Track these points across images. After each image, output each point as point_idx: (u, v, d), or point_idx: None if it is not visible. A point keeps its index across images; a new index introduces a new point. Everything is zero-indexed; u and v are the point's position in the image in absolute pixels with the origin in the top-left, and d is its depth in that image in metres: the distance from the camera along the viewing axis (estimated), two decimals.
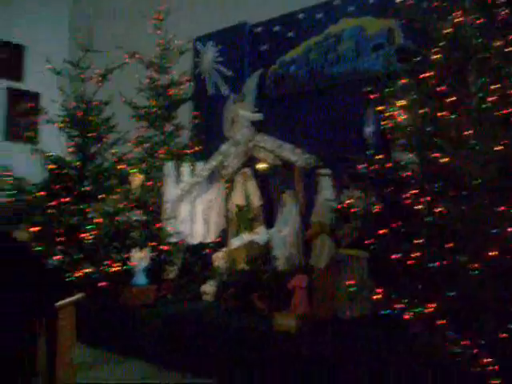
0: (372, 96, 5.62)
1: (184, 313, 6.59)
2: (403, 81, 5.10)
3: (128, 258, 7.61)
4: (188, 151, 8.79)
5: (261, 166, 7.70)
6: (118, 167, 8.62)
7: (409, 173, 4.79)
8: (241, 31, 8.69)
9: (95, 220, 7.95)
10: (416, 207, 4.54)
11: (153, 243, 7.84)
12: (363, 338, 4.99)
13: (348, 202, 5.61)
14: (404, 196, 4.64)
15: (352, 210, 5.46)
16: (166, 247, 7.90)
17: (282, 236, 6.87)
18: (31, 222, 7.48)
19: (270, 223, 7.43)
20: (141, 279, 7.27)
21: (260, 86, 8.21)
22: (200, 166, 8.12)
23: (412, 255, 4.48)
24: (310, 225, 6.23)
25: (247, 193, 7.58)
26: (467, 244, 4.24)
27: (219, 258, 7.45)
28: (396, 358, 4.51)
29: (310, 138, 7.46)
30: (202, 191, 8.14)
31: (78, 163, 8.43)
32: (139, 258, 7.32)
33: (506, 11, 4.54)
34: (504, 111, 4.31)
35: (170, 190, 8.07)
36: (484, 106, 4.39)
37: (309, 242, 6.30)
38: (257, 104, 8.13)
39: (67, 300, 4.55)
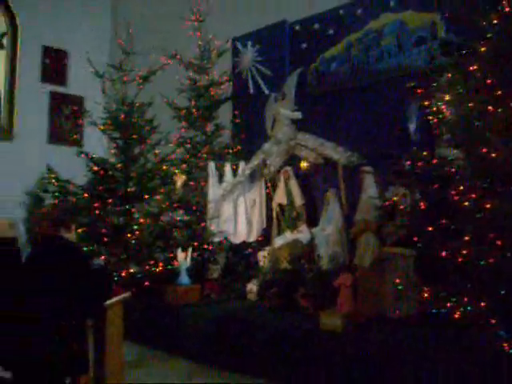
0: (418, 91, 5.53)
1: (228, 312, 6.61)
2: (448, 75, 4.99)
3: (172, 258, 7.69)
4: (230, 151, 8.82)
5: (303, 164, 7.68)
6: (161, 168, 8.68)
7: (454, 169, 4.68)
8: (280, 30, 8.67)
9: (139, 220, 8.06)
10: (463, 204, 4.45)
11: (196, 243, 7.90)
12: (410, 336, 4.92)
13: (393, 199, 5.53)
14: (451, 192, 4.54)
15: (397, 208, 5.38)
16: (209, 247, 7.96)
17: (325, 234, 6.83)
18: (77, 223, 7.61)
19: (313, 222, 7.41)
20: (185, 279, 7.33)
21: (301, 85, 8.15)
22: (242, 165, 8.14)
23: (460, 253, 4.39)
24: (355, 223, 6.17)
25: (289, 192, 7.56)
26: None
27: (263, 257, 7.46)
28: (445, 356, 4.42)
29: (352, 136, 7.38)
30: (244, 190, 8.16)
31: (120, 165, 8.53)
32: (183, 258, 7.38)
33: None
34: None
35: (213, 190, 8.12)
36: None
37: (353, 240, 6.25)
38: (297, 102, 8.08)
39: (114, 299, 4.60)
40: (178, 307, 6.96)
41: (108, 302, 4.35)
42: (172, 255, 7.81)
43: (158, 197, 8.39)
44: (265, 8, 9.22)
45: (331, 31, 7.95)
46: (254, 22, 9.09)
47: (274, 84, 8.60)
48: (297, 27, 8.47)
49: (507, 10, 4.38)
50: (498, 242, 4.29)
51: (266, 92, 8.71)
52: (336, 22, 7.93)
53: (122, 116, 8.67)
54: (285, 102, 8.13)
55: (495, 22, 4.45)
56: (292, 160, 7.85)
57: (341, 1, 7.96)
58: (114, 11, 12.93)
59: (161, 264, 7.91)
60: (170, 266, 7.77)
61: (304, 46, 8.30)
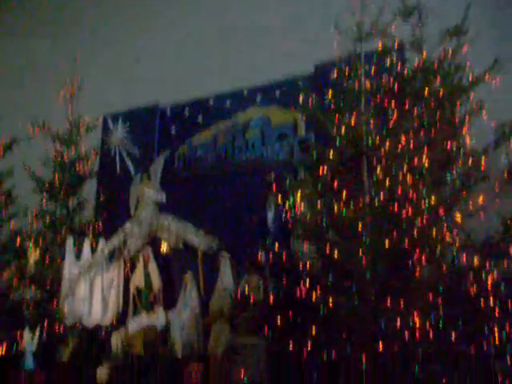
0: (273, 186, 5.81)
1: None
2: (302, 174, 5.32)
3: (17, 339, 7.21)
4: (91, 227, 8.58)
5: (163, 247, 7.65)
6: (15, 241, 8.25)
7: (302, 264, 4.90)
8: (151, 112, 8.82)
9: None
10: (310, 298, 4.65)
11: (46, 322, 7.48)
12: None
13: (246, 289, 5.64)
14: (299, 287, 4.73)
15: (249, 299, 5.49)
16: (60, 327, 7.56)
17: (181, 320, 6.76)
18: None
19: (170, 304, 7.30)
20: (30, 362, 6.85)
21: (167, 167, 8.25)
22: (102, 243, 7.95)
23: (306, 346, 4.54)
24: (209, 310, 6.19)
25: (148, 274, 7.45)
26: (357, 336, 4.36)
27: (116, 340, 7.18)
28: None
29: (214, 222, 7.52)
30: (102, 270, 7.92)
31: None
32: (30, 338, 6.93)
33: (395, 116, 4.91)
34: (394, 208, 4.57)
35: (69, 267, 7.79)
36: (375, 201, 4.65)
37: (208, 327, 6.25)
38: (163, 184, 8.14)
39: None
40: None
41: None
42: (19, 334, 7.31)
43: (7, 272, 7.92)
44: (138, 88, 9.36)
45: (200, 119, 8.21)
46: (125, 102, 9.17)
47: (140, 164, 8.63)
48: (167, 111, 8.66)
49: (353, 122, 4.80)
50: (342, 336, 4.51)
51: (132, 172, 8.71)
52: (205, 110, 8.23)
53: None
54: (150, 183, 8.14)
55: (343, 130, 4.85)
56: (153, 242, 7.80)
57: (212, 91, 8.28)
58: None
59: (4, 344, 7.38)
60: (14, 348, 7.25)
61: (173, 129, 8.48)
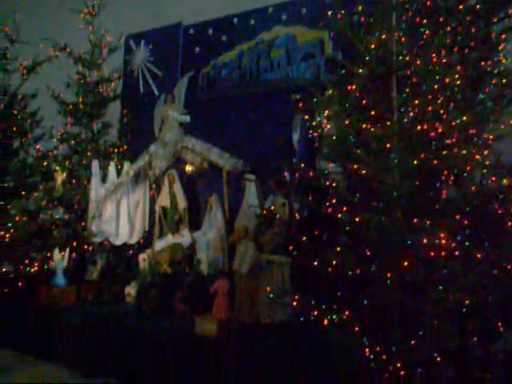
0: (300, 104, 5.72)
1: (103, 315, 6.45)
2: (330, 92, 5.21)
3: (49, 258, 7.42)
4: (115, 150, 8.64)
5: (188, 168, 7.69)
6: (42, 164, 8.35)
7: (329, 182, 4.88)
8: (174, 32, 8.63)
9: (15, 218, 7.70)
10: (336, 216, 4.65)
11: (75, 243, 7.68)
12: (281, 342, 5.05)
13: (272, 208, 5.66)
14: (325, 204, 4.73)
15: (275, 217, 5.52)
16: (89, 247, 7.75)
17: (206, 239, 6.88)
18: None
19: (195, 226, 7.43)
20: (61, 280, 7.07)
21: (191, 88, 8.16)
22: (127, 165, 8.01)
23: (331, 263, 4.58)
24: (235, 229, 6.26)
25: (173, 195, 7.54)
26: (383, 253, 4.38)
27: (143, 260, 7.37)
28: (312, 361, 4.59)
29: (238, 143, 7.50)
30: (127, 191, 8.03)
31: None
32: (60, 258, 7.13)
33: (427, 32, 4.73)
34: (424, 126, 4.47)
35: (96, 189, 7.91)
36: (405, 120, 4.55)
37: (233, 247, 6.34)
38: (187, 105, 8.08)
39: None
40: (51, 309, 6.71)
41: None
42: (49, 255, 7.53)
43: (36, 193, 8.07)
44: (161, 7, 9.15)
45: (224, 38, 8.03)
46: (148, 22, 8.99)
47: (164, 85, 8.55)
48: (191, 31, 8.48)
49: (383, 37, 4.64)
50: (367, 253, 4.53)
51: (156, 93, 8.64)
52: (230, 29, 8.02)
53: (2, 106, 8.25)
54: (174, 104, 8.09)
55: (372, 46, 4.70)
56: (178, 163, 7.85)
57: (236, 9, 8.06)
58: None
59: (36, 264, 7.62)
60: (46, 266, 7.49)
61: (197, 50, 8.33)
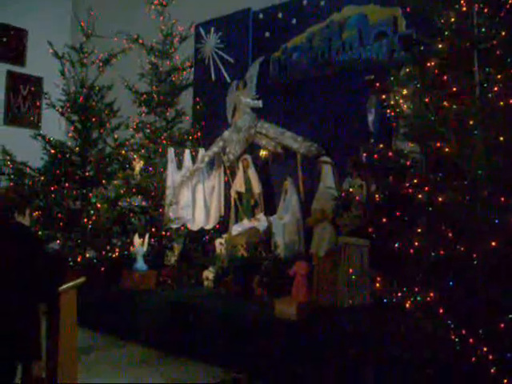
0: (377, 84, 5.61)
1: (184, 298, 6.63)
2: (407, 69, 5.08)
3: (129, 243, 7.65)
4: (190, 137, 8.79)
5: (262, 153, 7.73)
6: (120, 152, 8.62)
7: (409, 162, 4.78)
8: (243, 17, 8.63)
9: (96, 205, 7.97)
10: (417, 196, 4.55)
11: (154, 229, 7.88)
12: (362, 326, 5.01)
13: (350, 190, 5.61)
14: (405, 185, 4.64)
15: (353, 199, 5.47)
16: (167, 233, 7.94)
17: (282, 223, 6.90)
18: (33, 206, 7.49)
19: (271, 210, 7.46)
20: (141, 264, 7.29)
21: (262, 73, 8.16)
22: (201, 152, 8.13)
23: (413, 244, 4.49)
24: (312, 212, 6.24)
25: (248, 180, 7.60)
26: (468, 234, 4.25)
27: (220, 244, 7.48)
28: (394, 345, 4.53)
29: (312, 126, 7.44)
30: (203, 177, 8.16)
31: (78, 148, 8.43)
32: (140, 244, 7.34)
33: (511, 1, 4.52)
34: (509, 101, 4.29)
35: (172, 176, 8.08)
36: (488, 95, 4.38)
37: (310, 229, 6.33)
38: (258, 91, 8.09)
39: (69, 284, 4.55)
40: (133, 293, 6.94)
41: (62, 287, 4.31)
42: (129, 241, 7.77)
43: (115, 182, 8.33)
44: None
45: (294, 21, 7.97)
46: (217, 9, 9.04)
47: (235, 72, 8.58)
48: (260, 15, 8.46)
49: (464, 9, 4.47)
50: (450, 234, 4.41)
51: (228, 79, 8.68)
52: (299, 12, 7.94)
53: (81, 99, 8.56)
54: (246, 90, 8.12)
55: (452, 20, 4.54)
56: (251, 148, 7.89)
57: None
58: None
59: (117, 249, 7.87)
60: (126, 252, 7.73)
61: (267, 34, 8.31)
